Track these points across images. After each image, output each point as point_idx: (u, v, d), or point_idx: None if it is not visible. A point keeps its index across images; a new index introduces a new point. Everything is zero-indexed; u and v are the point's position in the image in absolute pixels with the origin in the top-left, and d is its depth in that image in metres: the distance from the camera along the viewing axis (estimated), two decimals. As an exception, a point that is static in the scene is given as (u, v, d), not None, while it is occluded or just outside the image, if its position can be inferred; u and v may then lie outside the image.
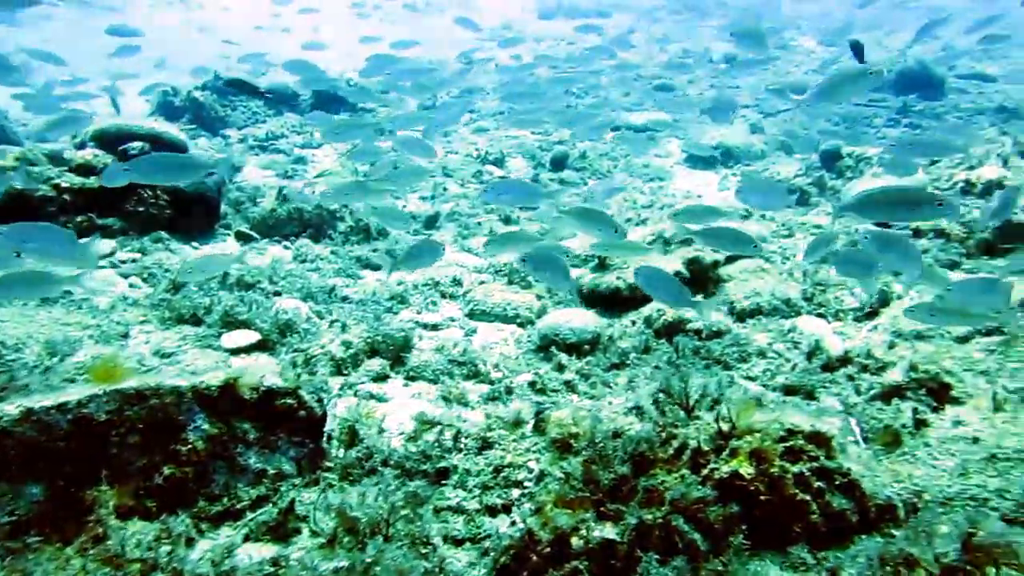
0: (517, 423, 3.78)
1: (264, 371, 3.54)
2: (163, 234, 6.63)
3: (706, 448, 3.20)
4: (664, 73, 17.12)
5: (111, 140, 6.65)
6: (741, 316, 5.69)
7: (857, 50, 7.83)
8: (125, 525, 2.93)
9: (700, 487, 3.05)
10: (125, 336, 5.03)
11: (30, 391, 3.62)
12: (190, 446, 3.21)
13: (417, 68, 9.87)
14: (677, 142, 11.81)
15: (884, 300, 5.85)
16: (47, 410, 2.92)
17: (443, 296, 6.26)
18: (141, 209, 6.64)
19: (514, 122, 9.02)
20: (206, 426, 3.28)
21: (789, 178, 9.55)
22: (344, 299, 6.00)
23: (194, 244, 6.80)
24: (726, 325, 5.44)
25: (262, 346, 5.07)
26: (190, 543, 2.97)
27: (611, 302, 6.06)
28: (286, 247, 7.06)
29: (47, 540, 2.79)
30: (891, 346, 4.99)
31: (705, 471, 3.13)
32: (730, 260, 6.27)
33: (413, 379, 4.82)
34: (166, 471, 3.13)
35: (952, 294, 4.19)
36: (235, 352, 4.98)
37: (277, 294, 5.85)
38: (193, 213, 6.90)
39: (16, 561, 2.69)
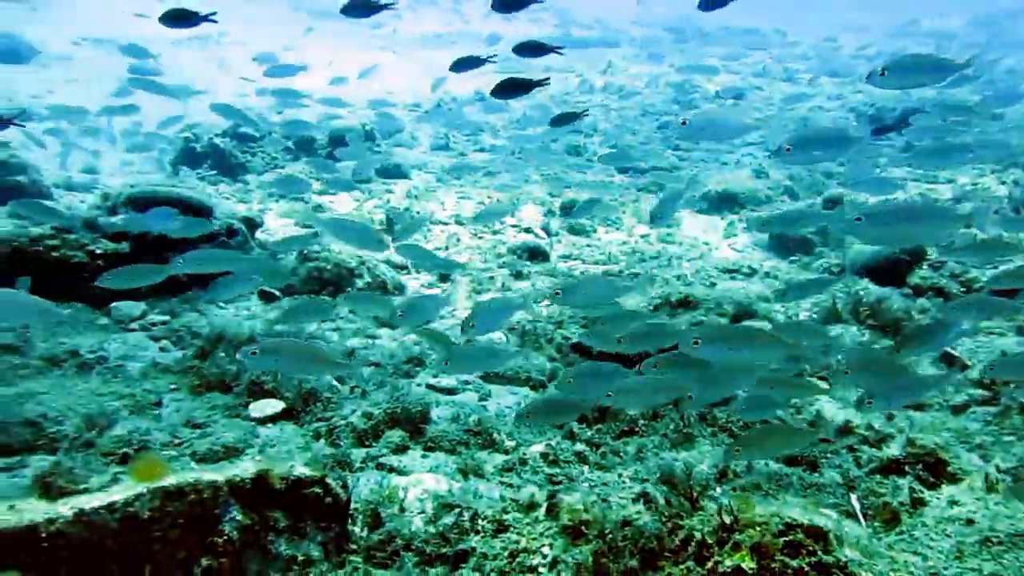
0: (531, 506, 3.98)
1: (293, 461, 3.78)
2: (190, 295, 6.91)
3: (710, 540, 3.40)
4: (670, 110, 17.41)
5: (143, 204, 6.95)
6: (746, 380, 5.86)
7: None
8: (168, 617, 3.16)
9: (704, 581, 3.25)
10: (158, 405, 5.29)
11: (75, 477, 3.87)
12: (225, 537, 3.43)
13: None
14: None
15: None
16: (97, 510, 3.16)
17: (458, 357, 6.48)
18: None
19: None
20: (240, 517, 3.51)
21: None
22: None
23: (220, 304, 7.07)
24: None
25: (288, 415, 5.31)
26: (228, 635, 3.18)
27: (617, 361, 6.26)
28: (307, 306, 7.32)
29: (97, 635, 3.01)
30: (889, 417, 5.17)
31: (709, 564, 3.33)
32: (734, 322, 6.47)
33: (431, 450, 5.04)
34: (204, 563, 3.36)
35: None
36: (262, 422, 5.22)
37: (299, 358, 6.09)
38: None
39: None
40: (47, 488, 3.57)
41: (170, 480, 3.39)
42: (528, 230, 9.66)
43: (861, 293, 7.03)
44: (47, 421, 4.76)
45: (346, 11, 6.21)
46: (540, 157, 12.40)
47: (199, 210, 7.37)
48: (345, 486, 3.91)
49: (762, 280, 7.70)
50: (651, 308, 6.50)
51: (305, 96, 12.02)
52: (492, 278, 8.28)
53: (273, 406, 5.32)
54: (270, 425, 5.19)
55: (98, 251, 6.51)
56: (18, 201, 6.45)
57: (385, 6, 6.19)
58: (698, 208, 11.17)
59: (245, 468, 3.63)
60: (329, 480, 3.81)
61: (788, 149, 3.91)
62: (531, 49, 6.06)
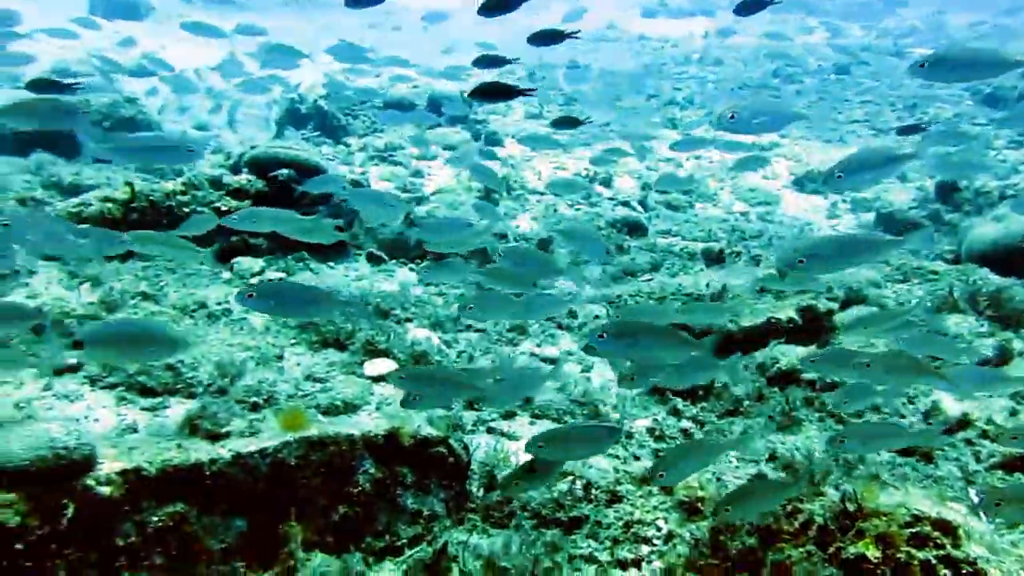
0: (645, 480, 4.07)
1: (418, 420, 3.96)
2: (304, 254, 7.20)
3: (832, 527, 3.41)
4: (769, 83, 16.86)
5: (264, 165, 7.26)
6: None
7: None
8: (310, 557, 3.40)
9: (827, 566, 3.28)
10: (280, 359, 5.57)
11: (219, 421, 4.15)
12: (360, 488, 3.65)
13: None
14: (786, 162, 11.72)
15: (1004, 357, 5.82)
16: (252, 454, 3.41)
17: (560, 328, 6.58)
18: (286, 231, 7.23)
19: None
20: (373, 470, 3.72)
21: (903, 208, 9.39)
22: (468, 327, 6.41)
23: (330, 264, 7.36)
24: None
25: (399, 375, 5.52)
26: (364, 578, 3.41)
27: (722, 344, 6.23)
28: (412, 269, 7.54)
29: (250, 567, 3.28)
30: (1013, 412, 5.01)
31: (831, 549, 3.35)
32: (844, 307, 6.34)
33: (538, 417, 5.16)
34: (341, 510, 3.59)
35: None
36: (376, 380, 5.45)
37: (408, 320, 6.31)
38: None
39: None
40: (195, 430, 3.82)
41: (312, 431, 3.62)
42: (626, 203, 9.61)
43: (979, 282, 6.76)
44: (184, 367, 5.09)
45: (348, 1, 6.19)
46: (635, 128, 12.26)
47: (314, 173, 7.62)
48: (466, 448, 4.08)
49: (871, 265, 7.47)
50: (757, 290, 6.43)
51: (372, 61, 12.12)
52: (591, 250, 8.30)
53: (387, 366, 5.53)
54: (383, 384, 5.41)
55: (223, 207, 6.86)
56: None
57: None
58: (799, 187, 10.87)
59: (378, 424, 3.83)
60: (452, 441, 3.99)
61: (839, 176, 3.79)
62: (545, 37, 5.98)
